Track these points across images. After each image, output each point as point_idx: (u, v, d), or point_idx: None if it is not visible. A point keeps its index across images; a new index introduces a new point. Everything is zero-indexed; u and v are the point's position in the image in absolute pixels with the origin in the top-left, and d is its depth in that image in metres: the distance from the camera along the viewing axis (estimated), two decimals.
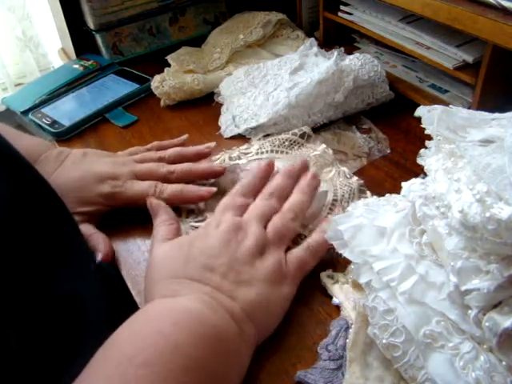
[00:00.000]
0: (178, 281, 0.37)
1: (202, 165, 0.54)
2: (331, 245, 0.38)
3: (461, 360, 0.31)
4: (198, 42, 0.79)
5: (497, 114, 0.37)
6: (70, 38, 0.81)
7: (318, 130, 0.60)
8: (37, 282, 0.34)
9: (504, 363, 0.30)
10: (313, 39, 0.68)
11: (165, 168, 0.52)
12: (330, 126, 0.61)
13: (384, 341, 0.33)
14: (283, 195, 0.45)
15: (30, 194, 0.38)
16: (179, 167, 0.52)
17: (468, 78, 0.55)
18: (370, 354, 0.35)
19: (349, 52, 0.67)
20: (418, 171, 0.46)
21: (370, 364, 0.34)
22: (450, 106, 0.38)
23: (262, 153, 0.56)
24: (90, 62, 0.79)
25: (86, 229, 0.47)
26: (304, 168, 0.48)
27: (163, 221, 0.45)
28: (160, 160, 0.53)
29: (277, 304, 0.38)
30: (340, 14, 0.70)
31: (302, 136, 0.57)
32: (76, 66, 0.79)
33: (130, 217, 0.51)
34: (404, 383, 0.33)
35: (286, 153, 0.56)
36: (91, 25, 0.78)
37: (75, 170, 0.51)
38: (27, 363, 0.30)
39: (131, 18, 0.79)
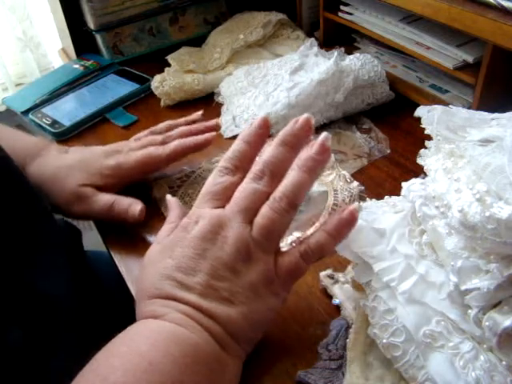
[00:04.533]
0: (155, 301, 0.34)
1: (197, 124, 0.55)
2: (332, 249, 0.35)
3: (461, 360, 0.31)
4: (198, 42, 0.79)
5: (496, 114, 0.37)
6: (70, 38, 0.81)
7: (318, 130, 0.60)
8: (14, 276, 0.34)
9: (504, 363, 0.30)
10: (313, 39, 0.68)
11: (161, 136, 0.54)
12: (330, 126, 0.61)
13: (384, 340, 0.33)
14: (279, 172, 0.36)
15: (3, 186, 0.38)
16: (176, 130, 0.54)
17: (468, 78, 0.55)
18: (370, 353, 0.35)
19: (349, 52, 0.67)
20: (418, 171, 0.46)
21: (370, 364, 0.34)
22: (450, 106, 0.38)
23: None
24: (90, 62, 0.79)
25: (107, 197, 0.49)
26: (307, 130, 0.37)
27: (168, 220, 0.42)
28: (151, 134, 0.56)
29: (261, 318, 0.35)
30: (340, 14, 0.70)
31: None
32: (76, 66, 0.79)
33: None
34: (404, 383, 0.33)
35: None
36: (91, 25, 0.78)
37: (81, 152, 0.54)
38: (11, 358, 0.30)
39: (131, 18, 0.79)
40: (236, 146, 0.38)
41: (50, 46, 1.33)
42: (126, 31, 0.79)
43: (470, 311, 0.31)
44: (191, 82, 0.68)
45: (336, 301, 0.40)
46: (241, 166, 0.37)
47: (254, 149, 0.38)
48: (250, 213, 0.35)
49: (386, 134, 0.59)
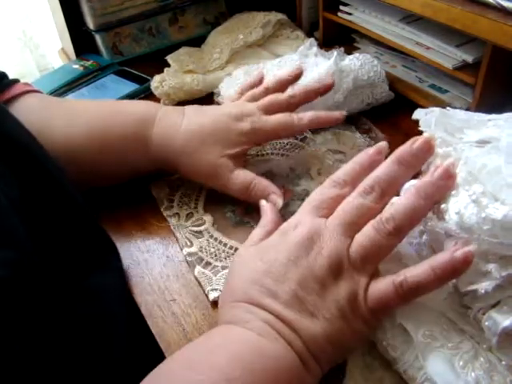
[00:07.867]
0: (239, 304, 0.34)
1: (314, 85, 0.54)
2: (432, 290, 0.31)
3: (460, 360, 0.31)
4: (197, 42, 0.79)
5: (494, 115, 0.37)
6: (69, 38, 0.81)
7: (317, 129, 0.60)
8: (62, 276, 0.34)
9: (504, 362, 0.30)
10: (313, 39, 0.68)
11: (284, 97, 0.52)
12: (330, 126, 0.61)
13: (383, 341, 0.33)
14: (389, 190, 0.34)
15: (40, 189, 0.37)
16: (300, 89, 0.53)
17: (468, 77, 0.55)
18: (369, 354, 0.35)
19: (349, 52, 0.67)
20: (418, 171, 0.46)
21: (369, 365, 0.34)
22: (448, 107, 0.38)
23: (263, 155, 0.56)
24: (89, 62, 0.80)
25: (243, 177, 0.47)
26: (427, 151, 0.35)
27: (261, 224, 0.41)
28: (266, 90, 0.54)
29: (344, 340, 0.32)
30: (340, 14, 0.70)
31: (302, 139, 0.57)
32: (76, 66, 0.79)
33: (130, 217, 0.51)
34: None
35: (287, 155, 0.56)
36: (91, 25, 0.78)
37: (203, 116, 0.51)
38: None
39: (131, 18, 0.79)
40: (349, 164, 0.38)
41: (50, 46, 1.33)
42: (125, 31, 0.79)
43: (469, 311, 0.31)
44: (191, 83, 0.68)
45: None
46: (351, 183, 0.37)
47: (366, 170, 0.37)
48: (352, 227, 0.34)
49: (385, 134, 0.59)
